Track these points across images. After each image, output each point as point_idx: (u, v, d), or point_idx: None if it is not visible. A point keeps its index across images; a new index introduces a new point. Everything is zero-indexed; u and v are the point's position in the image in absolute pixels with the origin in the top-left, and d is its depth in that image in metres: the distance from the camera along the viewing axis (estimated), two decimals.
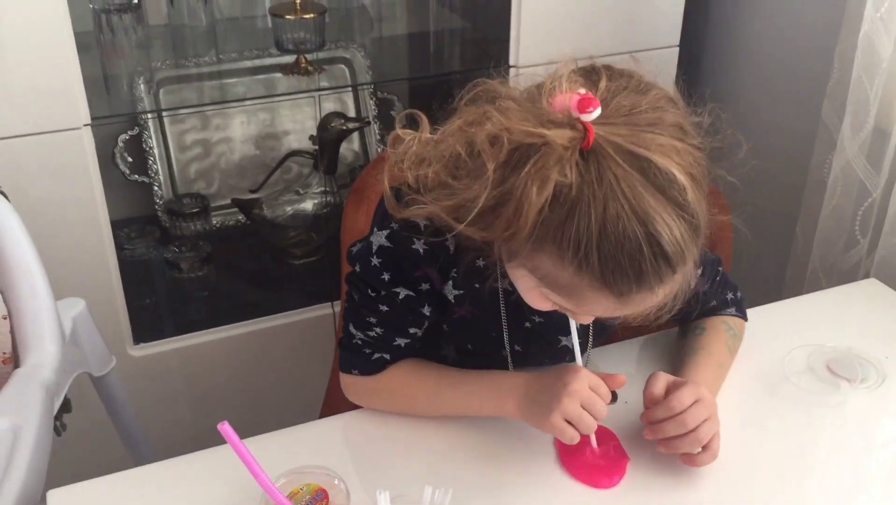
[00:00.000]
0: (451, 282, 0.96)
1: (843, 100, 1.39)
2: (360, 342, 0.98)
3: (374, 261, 0.94)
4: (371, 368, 0.99)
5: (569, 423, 0.87)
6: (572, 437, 0.87)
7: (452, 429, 0.98)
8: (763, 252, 1.76)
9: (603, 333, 1.06)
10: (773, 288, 1.66)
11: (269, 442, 0.97)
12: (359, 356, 0.99)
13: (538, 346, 1.02)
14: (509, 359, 1.02)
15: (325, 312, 1.68)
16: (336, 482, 0.85)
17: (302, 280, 1.81)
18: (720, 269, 1.08)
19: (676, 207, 0.73)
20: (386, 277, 0.94)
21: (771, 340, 1.11)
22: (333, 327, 1.67)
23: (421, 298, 0.95)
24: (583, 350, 1.02)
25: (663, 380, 0.94)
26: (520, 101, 0.78)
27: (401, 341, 0.98)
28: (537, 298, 0.82)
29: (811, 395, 1.03)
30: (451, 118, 0.81)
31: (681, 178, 0.72)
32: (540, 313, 0.98)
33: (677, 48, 1.69)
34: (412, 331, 0.98)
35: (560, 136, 0.71)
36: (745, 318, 1.11)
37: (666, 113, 0.77)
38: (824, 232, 1.46)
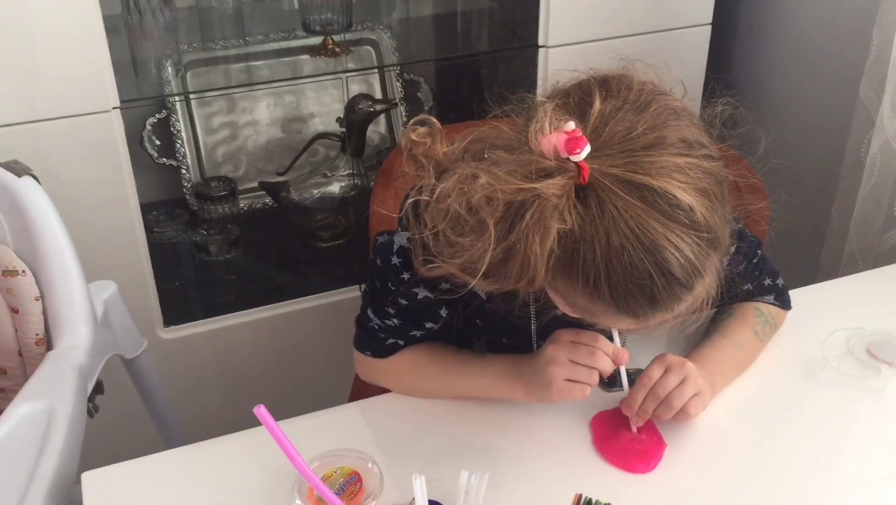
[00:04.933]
0: (481, 278, 0.95)
1: (881, 78, 1.35)
2: (376, 327, 1.00)
3: (395, 260, 0.95)
4: (384, 351, 1.02)
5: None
6: (582, 391, 0.89)
7: (487, 413, 0.98)
8: (798, 234, 1.73)
9: None
10: (808, 270, 1.63)
11: (300, 425, 0.96)
12: (374, 339, 1.01)
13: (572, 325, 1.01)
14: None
15: (353, 294, 1.68)
16: (369, 466, 0.85)
17: (330, 263, 1.80)
18: (759, 252, 1.06)
19: (685, 229, 0.71)
20: (405, 276, 0.95)
21: (810, 323, 1.10)
22: (355, 317, 1.66)
23: (440, 299, 0.96)
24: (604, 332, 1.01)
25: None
26: (510, 146, 0.75)
27: (416, 333, 1.00)
28: (568, 311, 0.82)
29: (851, 378, 1.01)
30: (455, 161, 0.79)
31: (685, 198, 0.70)
32: None
33: (709, 26, 1.66)
34: (428, 325, 1.00)
35: (552, 185, 0.70)
36: (785, 307, 1.09)
37: (666, 129, 0.74)
38: (862, 213, 1.43)
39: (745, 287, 1.05)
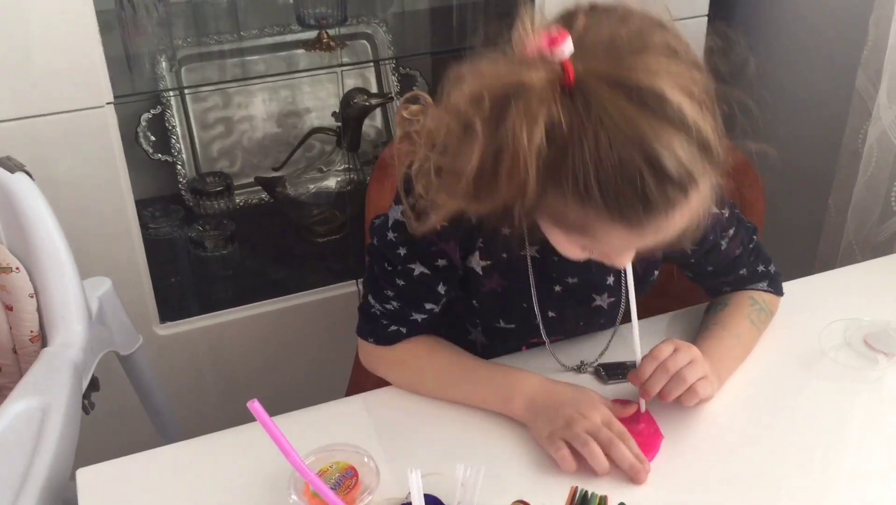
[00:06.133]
0: (477, 253, 0.95)
1: (878, 68, 1.35)
2: (378, 312, 0.99)
3: (391, 235, 0.95)
4: (386, 338, 1.00)
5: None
6: (569, 465, 0.87)
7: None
8: (795, 224, 1.73)
9: (641, 288, 1.04)
10: (806, 261, 1.63)
11: (296, 420, 0.96)
12: (376, 325, 1.00)
13: (571, 309, 1.02)
14: (542, 327, 1.01)
15: (349, 289, 1.67)
16: (365, 460, 0.85)
17: (326, 258, 1.80)
18: (755, 237, 1.06)
19: (675, 126, 0.70)
20: (402, 251, 0.95)
21: (806, 314, 1.09)
22: (358, 304, 1.66)
23: (436, 276, 0.96)
24: (616, 306, 1.02)
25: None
26: (492, 55, 0.76)
27: (417, 316, 0.99)
28: (566, 245, 0.81)
29: (849, 369, 1.01)
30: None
31: (673, 95, 0.70)
32: (571, 274, 0.98)
33: (706, 17, 1.65)
34: (428, 306, 0.99)
35: (536, 76, 0.70)
36: (778, 293, 1.09)
37: (652, 36, 0.74)
38: (858, 203, 1.43)
39: (741, 271, 1.06)
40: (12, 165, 1.10)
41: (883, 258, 1.25)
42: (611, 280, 1.00)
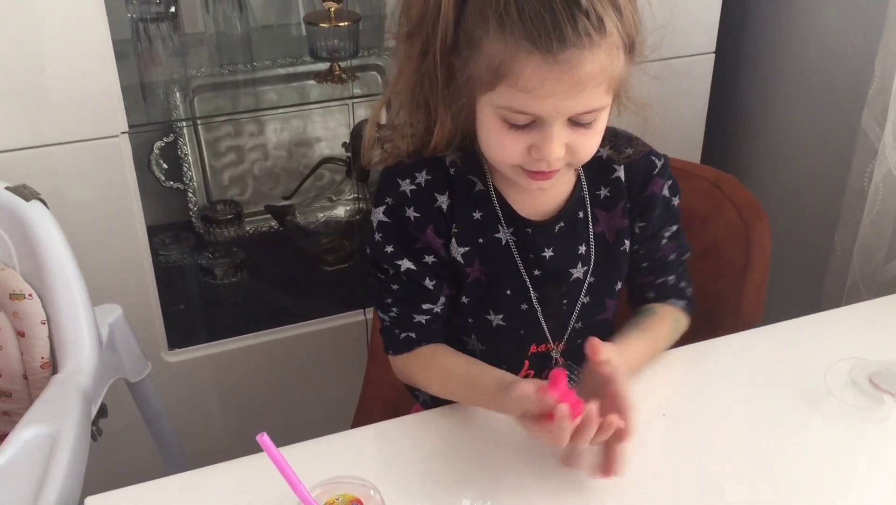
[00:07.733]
0: (454, 240, 0.99)
1: (883, 107, 1.36)
2: (388, 324, 1.03)
3: (377, 237, 1.00)
4: (400, 347, 1.03)
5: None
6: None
7: (490, 440, 0.98)
8: (801, 262, 1.73)
9: (615, 259, 1.05)
10: (811, 299, 1.63)
11: (302, 451, 0.96)
12: (389, 336, 1.03)
13: (553, 287, 1.04)
14: (534, 299, 1.02)
15: (357, 319, 1.68)
16: (371, 493, 0.85)
17: (334, 287, 1.81)
18: (688, 254, 1.10)
19: None
20: (389, 249, 0.99)
21: (812, 352, 1.10)
22: (366, 334, 1.67)
23: (423, 272, 1.00)
24: (586, 274, 1.03)
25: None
26: None
27: (420, 318, 1.01)
28: (503, 131, 0.88)
29: (854, 409, 1.01)
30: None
31: None
32: (546, 245, 1.01)
33: (713, 55, 1.67)
34: (426, 306, 1.01)
35: None
36: (691, 315, 1.11)
37: None
38: (864, 242, 1.43)
39: (669, 277, 1.09)
40: (27, 193, 1.12)
41: (889, 297, 1.25)
42: (582, 249, 1.03)
